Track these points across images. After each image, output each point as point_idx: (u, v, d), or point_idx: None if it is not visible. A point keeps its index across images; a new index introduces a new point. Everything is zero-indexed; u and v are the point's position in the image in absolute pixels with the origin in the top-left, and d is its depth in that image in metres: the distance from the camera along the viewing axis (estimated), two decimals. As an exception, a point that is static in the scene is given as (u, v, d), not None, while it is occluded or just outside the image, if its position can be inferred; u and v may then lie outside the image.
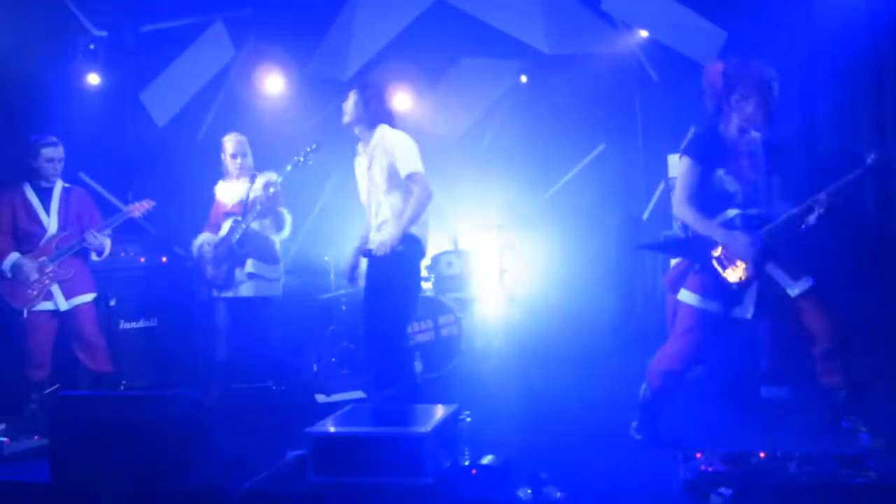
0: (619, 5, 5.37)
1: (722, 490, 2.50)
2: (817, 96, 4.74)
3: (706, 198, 3.25)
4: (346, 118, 3.80)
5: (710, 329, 3.25)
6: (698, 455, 2.75)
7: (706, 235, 3.21)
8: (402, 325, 3.79)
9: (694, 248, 3.29)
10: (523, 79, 6.62)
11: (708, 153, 3.24)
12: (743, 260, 3.13)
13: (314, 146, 4.57)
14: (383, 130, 3.75)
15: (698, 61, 4.68)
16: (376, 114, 3.76)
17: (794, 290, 3.13)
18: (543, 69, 6.39)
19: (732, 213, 3.21)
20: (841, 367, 3.11)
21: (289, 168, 4.61)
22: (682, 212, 3.28)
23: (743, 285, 3.16)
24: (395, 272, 3.63)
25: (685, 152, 3.31)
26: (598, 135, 6.50)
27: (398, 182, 3.69)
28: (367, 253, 3.74)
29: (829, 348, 3.10)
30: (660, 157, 5.51)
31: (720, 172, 3.21)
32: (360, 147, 3.87)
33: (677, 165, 3.39)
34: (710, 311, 3.21)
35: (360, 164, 3.86)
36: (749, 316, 3.19)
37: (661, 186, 5.82)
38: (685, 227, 3.38)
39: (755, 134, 3.26)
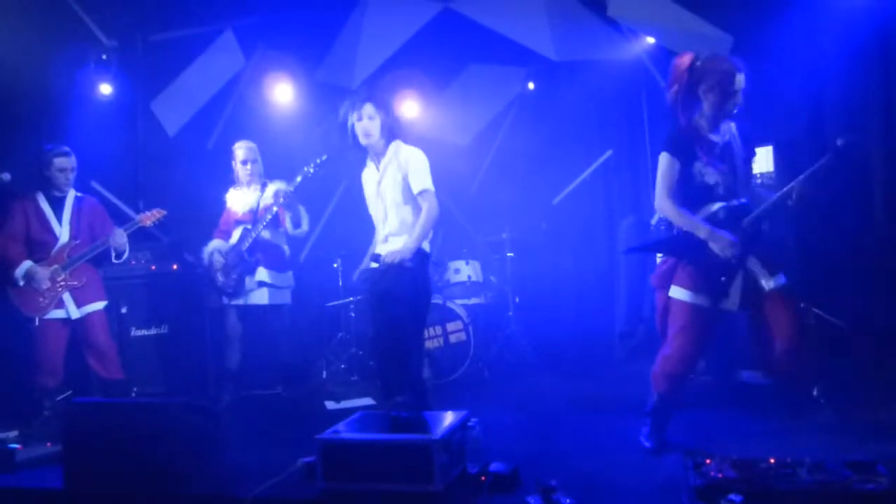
0: (624, 12, 5.38)
1: (732, 496, 2.49)
2: (825, 98, 4.73)
3: (690, 192, 3.27)
4: (371, 139, 3.71)
5: (704, 324, 3.26)
6: (708, 461, 2.75)
7: (689, 231, 3.24)
8: (412, 334, 3.80)
9: (680, 245, 3.30)
10: (531, 86, 6.64)
11: (684, 147, 3.26)
12: (726, 255, 3.15)
13: (324, 157, 4.61)
14: (398, 145, 3.77)
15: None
16: (393, 129, 3.77)
17: (769, 284, 3.16)
18: (551, 76, 6.41)
19: (716, 206, 3.22)
20: (795, 367, 3.16)
21: (299, 179, 4.66)
22: (665, 208, 3.30)
23: (729, 278, 3.19)
24: (403, 282, 3.65)
25: (663, 148, 3.33)
26: (605, 141, 6.51)
27: (409, 197, 3.72)
28: (375, 258, 3.76)
29: (787, 349, 3.13)
30: (668, 162, 5.49)
31: (698, 165, 3.23)
32: (370, 160, 3.86)
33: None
34: (701, 306, 3.23)
35: (371, 177, 3.87)
36: (735, 308, 3.21)
37: (669, 192, 5.81)
38: (667, 223, 3.40)
39: (730, 123, 3.28)
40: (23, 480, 3.39)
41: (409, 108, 6.34)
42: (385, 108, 3.73)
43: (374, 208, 3.86)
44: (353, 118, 3.71)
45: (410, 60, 5.89)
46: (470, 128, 6.69)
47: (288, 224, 4.82)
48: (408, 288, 3.64)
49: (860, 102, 4.62)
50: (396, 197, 3.72)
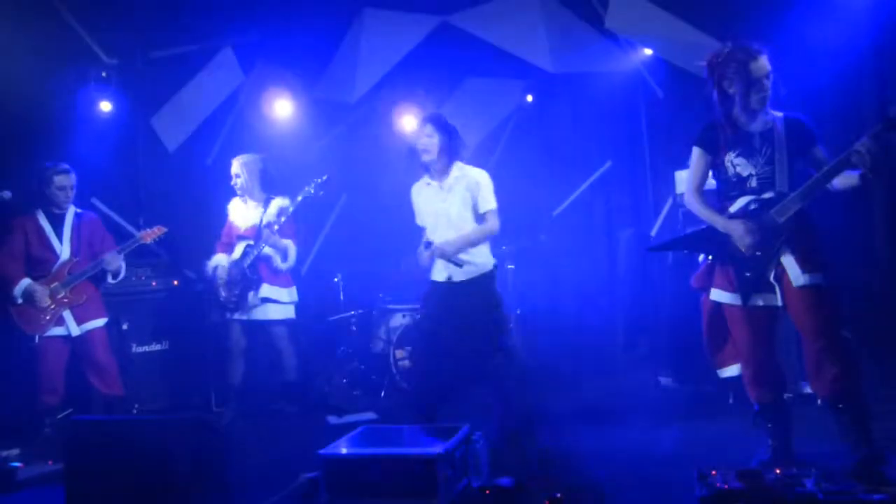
0: (622, 24, 5.41)
1: (738, 507, 2.48)
2: (821, 106, 4.75)
3: (724, 185, 3.22)
4: (430, 156, 3.97)
5: (751, 322, 3.13)
6: (714, 472, 2.73)
7: (712, 225, 3.18)
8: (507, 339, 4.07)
9: (704, 240, 3.25)
10: (529, 98, 6.67)
11: (716, 140, 3.20)
12: (745, 246, 3.07)
13: (325, 177, 4.68)
14: (462, 167, 4.04)
15: (703, 77, 4.71)
16: (456, 150, 4.03)
17: (797, 280, 3.01)
18: (549, 88, 6.44)
19: (746, 199, 3.13)
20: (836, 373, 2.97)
21: (299, 198, 4.70)
22: (691, 203, 3.28)
23: (755, 272, 3.07)
24: (494, 300, 3.94)
25: (694, 143, 3.29)
26: (604, 152, 6.53)
27: (476, 215, 3.99)
28: (458, 263, 3.88)
29: (818, 348, 2.99)
30: (667, 173, 5.52)
31: (730, 157, 3.15)
32: (430, 178, 4.05)
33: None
34: (739, 305, 3.11)
35: (432, 194, 4.04)
36: (779, 303, 3.07)
37: (669, 202, 5.83)
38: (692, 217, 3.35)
39: (777, 113, 3.18)
40: (24, 500, 3.37)
41: (408, 122, 6.36)
42: (444, 130, 3.98)
43: (433, 224, 4.03)
44: (415, 136, 4.04)
45: (409, 75, 5.92)
46: (468, 141, 6.67)
47: (276, 259, 4.84)
48: (496, 299, 3.96)
49: (854, 110, 4.64)
50: (467, 215, 3.97)
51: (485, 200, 3.97)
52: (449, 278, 3.93)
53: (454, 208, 3.96)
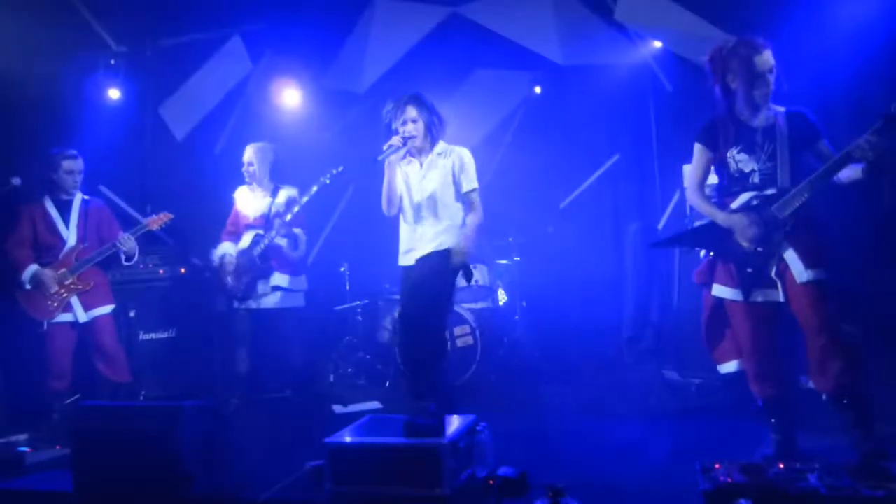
0: (631, 16, 5.38)
1: (741, 501, 2.49)
2: (833, 106, 4.72)
3: (726, 180, 3.21)
4: (416, 142, 3.71)
5: (755, 318, 3.13)
6: (717, 465, 2.74)
7: (713, 220, 3.18)
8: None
9: (706, 236, 3.25)
10: (537, 90, 6.64)
11: (718, 136, 3.20)
12: (747, 242, 3.08)
13: (340, 168, 4.60)
14: (444, 145, 3.79)
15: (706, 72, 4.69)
16: (441, 126, 3.79)
17: (801, 277, 3.01)
18: (557, 80, 6.41)
19: (748, 195, 3.13)
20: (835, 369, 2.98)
21: (314, 189, 4.64)
22: (692, 199, 3.29)
23: (757, 267, 3.08)
24: (450, 280, 3.65)
25: (696, 139, 3.28)
26: (612, 145, 6.51)
27: (459, 194, 3.75)
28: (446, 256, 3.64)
29: (821, 345, 2.99)
30: (674, 166, 5.50)
31: (732, 152, 3.15)
32: (410, 157, 3.79)
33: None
34: (741, 301, 3.12)
35: (413, 173, 3.79)
36: (781, 299, 3.08)
37: (676, 196, 5.81)
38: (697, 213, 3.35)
39: (779, 108, 3.17)
40: (33, 483, 3.40)
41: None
42: (427, 107, 3.73)
43: (413, 205, 3.78)
44: (397, 122, 3.72)
45: (418, 65, 5.91)
46: (476, 132, 6.69)
47: (287, 247, 4.84)
48: (450, 285, 3.64)
49: (868, 110, 4.61)
50: (448, 196, 3.72)
51: (470, 179, 3.72)
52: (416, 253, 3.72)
53: (437, 185, 3.70)
